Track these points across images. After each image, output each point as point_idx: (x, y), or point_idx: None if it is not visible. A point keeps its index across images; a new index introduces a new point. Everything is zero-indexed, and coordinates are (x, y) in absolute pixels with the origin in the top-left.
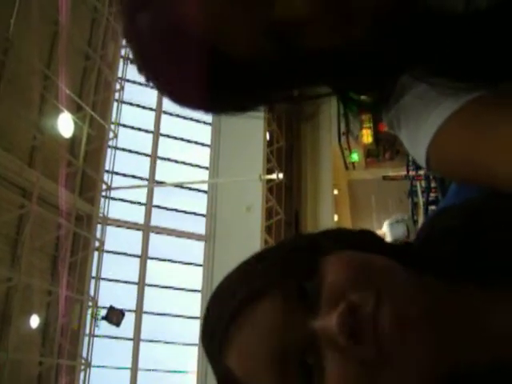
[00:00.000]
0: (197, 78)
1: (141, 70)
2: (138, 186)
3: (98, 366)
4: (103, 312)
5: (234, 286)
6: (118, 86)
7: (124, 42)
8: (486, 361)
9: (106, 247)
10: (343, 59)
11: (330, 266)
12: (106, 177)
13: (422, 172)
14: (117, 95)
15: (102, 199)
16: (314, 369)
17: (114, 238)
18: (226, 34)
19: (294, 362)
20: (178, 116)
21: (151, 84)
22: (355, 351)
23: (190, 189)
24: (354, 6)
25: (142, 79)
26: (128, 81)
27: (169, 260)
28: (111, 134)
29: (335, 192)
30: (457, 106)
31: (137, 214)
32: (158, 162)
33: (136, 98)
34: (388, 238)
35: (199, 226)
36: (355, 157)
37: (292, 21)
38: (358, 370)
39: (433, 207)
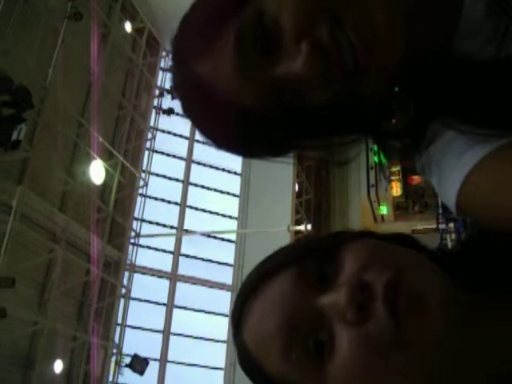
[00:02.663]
0: (228, 127)
1: (185, 115)
2: (167, 235)
3: None
4: (127, 360)
5: (260, 263)
6: (149, 135)
7: (156, 93)
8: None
9: (133, 294)
10: (361, 110)
11: (350, 250)
12: (134, 224)
13: (451, 225)
14: (148, 144)
15: (131, 246)
16: (325, 346)
17: (141, 286)
18: (240, 92)
19: (305, 337)
20: (207, 166)
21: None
22: (364, 326)
23: (218, 238)
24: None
25: (173, 129)
26: (160, 130)
27: (195, 309)
28: (141, 182)
29: None
30: (486, 151)
31: (164, 263)
32: (187, 210)
33: (167, 147)
34: None
35: (226, 275)
36: (384, 210)
37: (295, 79)
38: (367, 347)
39: None
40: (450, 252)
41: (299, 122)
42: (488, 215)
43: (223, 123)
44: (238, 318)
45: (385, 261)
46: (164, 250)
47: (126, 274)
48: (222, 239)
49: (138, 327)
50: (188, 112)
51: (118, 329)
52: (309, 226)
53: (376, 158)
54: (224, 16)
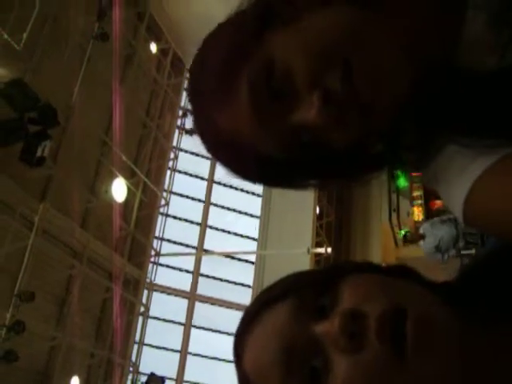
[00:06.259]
0: (251, 168)
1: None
2: (187, 254)
3: None
4: (143, 378)
5: (260, 293)
6: (172, 155)
7: (180, 113)
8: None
9: (151, 313)
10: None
11: (349, 284)
12: (155, 243)
13: (473, 251)
14: (171, 163)
15: (151, 265)
16: (321, 372)
17: (160, 305)
18: (259, 139)
19: (301, 365)
20: (229, 186)
21: (207, 156)
22: (359, 354)
23: (238, 259)
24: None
25: (195, 149)
26: (182, 150)
27: (212, 330)
28: (163, 201)
29: None
30: (491, 161)
31: (183, 282)
32: (208, 231)
33: (189, 167)
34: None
35: (245, 297)
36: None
37: (310, 126)
38: (363, 373)
39: None
40: (456, 283)
41: (319, 161)
42: (493, 225)
43: (247, 166)
44: (238, 346)
45: (383, 295)
46: (184, 270)
47: (145, 292)
48: (243, 260)
49: (156, 346)
50: (213, 156)
51: (136, 347)
52: (329, 249)
53: (399, 182)
54: (235, 66)
